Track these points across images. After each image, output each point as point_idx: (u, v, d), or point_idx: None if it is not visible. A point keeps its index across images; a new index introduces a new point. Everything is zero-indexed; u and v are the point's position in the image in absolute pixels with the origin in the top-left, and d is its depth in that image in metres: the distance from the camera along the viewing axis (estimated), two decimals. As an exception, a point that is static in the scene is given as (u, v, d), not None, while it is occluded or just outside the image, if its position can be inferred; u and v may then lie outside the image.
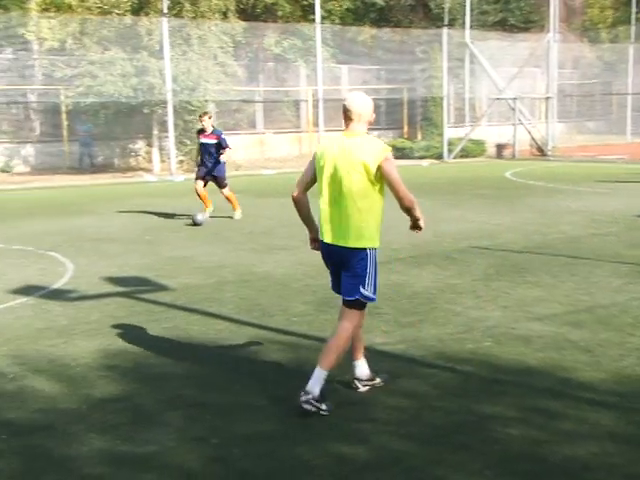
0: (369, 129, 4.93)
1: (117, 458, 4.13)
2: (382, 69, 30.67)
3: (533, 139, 27.71)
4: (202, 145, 12.90)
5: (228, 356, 5.85)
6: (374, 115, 5.00)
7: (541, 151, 27.42)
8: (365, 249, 4.71)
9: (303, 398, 4.61)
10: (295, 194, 4.92)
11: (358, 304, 4.81)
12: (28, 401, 4.95)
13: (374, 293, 4.82)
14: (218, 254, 9.78)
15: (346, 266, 4.75)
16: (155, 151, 24.18)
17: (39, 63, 24.40)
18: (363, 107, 4.81)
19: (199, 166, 13.08)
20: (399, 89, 30.15)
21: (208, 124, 12.79)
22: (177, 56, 22.73)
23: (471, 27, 27.84)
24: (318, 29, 24.35)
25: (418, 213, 4.79)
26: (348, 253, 4.71)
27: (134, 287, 8.10)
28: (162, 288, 8.04)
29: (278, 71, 29.19)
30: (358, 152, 4.66)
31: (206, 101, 24.00)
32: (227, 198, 13.10)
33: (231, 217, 12.96)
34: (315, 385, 4.64)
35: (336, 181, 4.69)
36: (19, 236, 11.56)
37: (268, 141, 27.39)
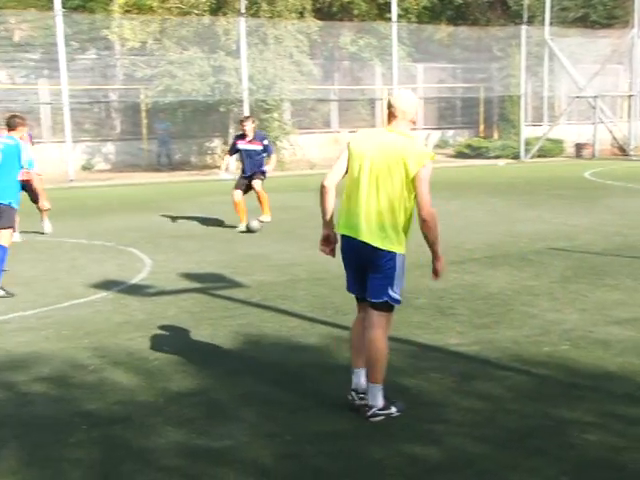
0: (412, 129, 4.76)
1: (193, 451, 4.20)
2: (458, 67, 30.36)
3: (614, 138, 27.02)
4: (242, 152, 11.84)
5: (301, 353, 5.88)
6: (416, 116, 4.82)
7: (623, 150, 26.72)
8: (391, 252, 4.53)
9: (369, 413, 4.55)
10: (326, 182, 4.63)
11: (386, 306, 4.62)
12: (107, 393, 5.08)
13: (400, 296, 4.67)
14: (291, 252, 9.85)
15: (374, 266, 4.53)
16: (231, 149, 24.47)
17: (120, 63, 25.01)
18: (408, 105, 4.63)
19: (240, 177, 12.01)
20: (475, 88, 29.80)
21: (250, 129, 11.79)
22: (253, 55, 22.96)
23: (551, 24, 27.31)
24: (394, 27, 24.26)
25: (437, 246, 4.62)
26: (377, 252, 4.50)
27: (210, 283, 8.22)
28: (237, 285, 8.14)
29: (353, 70, 29.18)
30: (401, 150, 4.49)
31: (281, 100, 24.20)
32: (259, 196, 11.84)
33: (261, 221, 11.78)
34: (375, 399, 4.57)
35: (373, 175, 4.50)
36: (100, 232, 11.87)
37: (343, 140, 27.41)
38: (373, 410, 4.56)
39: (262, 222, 11.62)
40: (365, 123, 28.57)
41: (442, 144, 30.39)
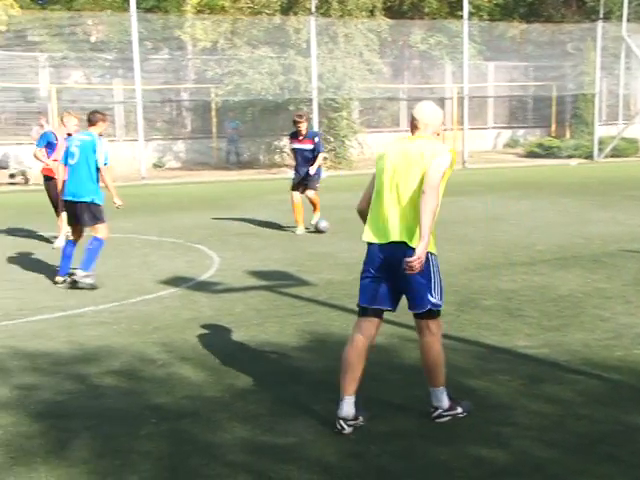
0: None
1: (258, 447, 4.23)
2: (530, 66, 29.87)
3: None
4: (296, 151, 11.70)
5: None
6: (442, 127, 4.76)
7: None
8: (427, 252, 4.33)
9: (435, 414, 4.55)
10: (359, 208, 4.77)
11: (431, 314, 4.51)
12: (176, 388, 5.16)
13: (441, 299, 4.54)
14: (359, 250, 9.77)
15: (400, 266, 4.29)
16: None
17: (192, 63, 25.38)
18: (430, 117, 4.60)
19: (295, 177, 11.87)
20: (548, 86, 29.30)
21: (304, 127, 11.47)
22: (323, 54, 23.03)
23: (628, 20, 26.62)
24: (465, 25, 24.00)
25: (424, 228, 4.23)
26: (403, 251, 4.34)
27: (277, 281, 8.28)
28: (303, 283, 8.18)
29: (423, 68, 29.02)
30: (420, 148, 4.47)
31: (350, 99, 24.21)
32: (311, 201, 11.68)
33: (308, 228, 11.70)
34: (440, 401, 4.57)
35: (394, 181, 4.48)
36: (170, 229, 12.07)
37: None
38: (439, 411, 4.55)
39: (323, 227, 11.45)
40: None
41: (512, 143, 29.97)
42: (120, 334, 6.40)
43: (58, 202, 9.40)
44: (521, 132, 30.58)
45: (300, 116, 11.66)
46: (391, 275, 4.46)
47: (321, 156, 11.72)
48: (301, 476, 3.90)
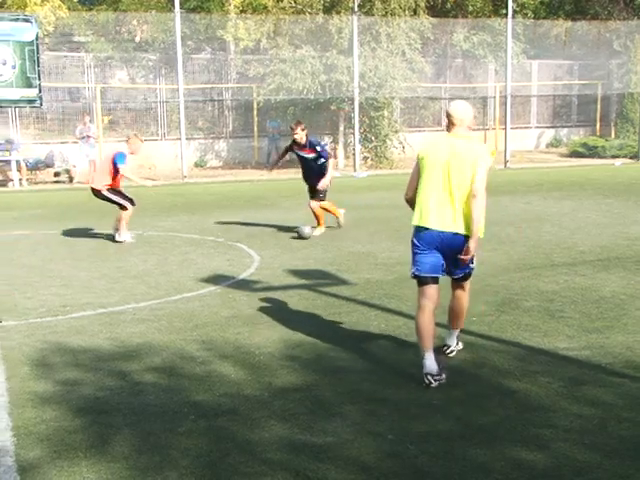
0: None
1: (296, 446, 4.25)
2: (575, 64, 29.49)
3: None
4: (300, 158, 11.46)
5: (406, 353, 5.85)
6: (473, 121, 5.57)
7: None
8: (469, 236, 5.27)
9: (448, 350, 5.72)
10: (407, 197, 5.57)
11: (468, 275, 5.59)
12: (215, 385, 5.20)
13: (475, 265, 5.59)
14: (399, 251, 9.80)
15: (454, 249, 5.29)
16: (340, 147, 24.59)
17: (234, 62, 25.52)
18: (464, 113, 5.40)
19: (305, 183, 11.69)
20: (593, 85, 28.90)
21: (302, 135, 11.10)
22: (365, 53, 22.99)
23: (678, 17, 26.14)
24: (509, 23, 23.77)
25: (475, 225, 5.19)
26: (460, 239, 5.24)
27: (316, 280, 8.29)
28: (343, 282, 8.18)
29: (466, 67, 28.81)
30: (468, 150, 5.29)
31: (392, 98, 24.13)
32: (314, 212, 11.45)
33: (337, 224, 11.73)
34: (453, 340, 5.79)
35: (446, 174, 5.25)
36: (211, 227, 12.15)
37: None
38: (451, 348, 5.76)
39: (313, 234, 11.07)
40: (475, 121, 28.10)
41: (555, 143, 29.63)
42: (160, 331, 6.47)
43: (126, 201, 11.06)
44: (564, 131, 30.21)
45: (296, 124, 11.34)
46: (440, 252, 5.35)
47: (331, 163, 11.37)
48: (338, 475, 3.91)
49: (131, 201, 11.19)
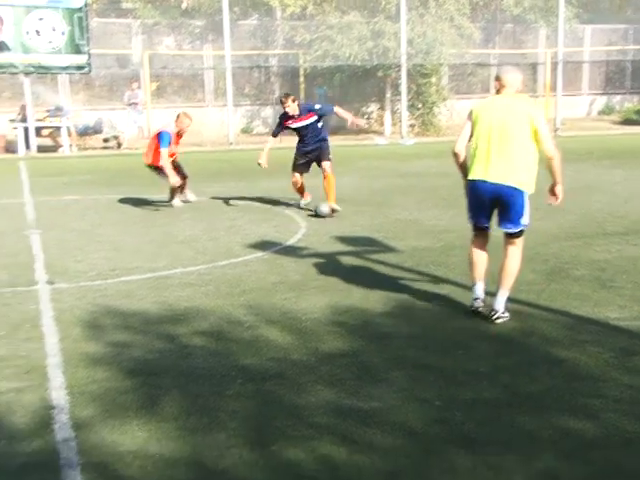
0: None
1: (343, 411, 4.26)
2: (630, 28, 28.71)
3: None
4: (299, 130, 10.62)
5: (452, 320, 5.83)
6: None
7: None
8: (523, 191, 5.58)
9: (495, 316, 5.68)
10: (457, 149, 5.82)
11: (520, 233, 5.73)
12: (262, 349, 5.24)
13: (528, 222, 5.75)
14: (445, 218, 9.73)
15: (507, 203, 5.61)
16: (387, 114, 24.38)
17: (281, 29, 25.36)
18: (514, 78, 5.71)
19: (298, 155, 10.81)
20: (648, 50, 28.13)
21: (294, 107, 10.42)
22: (413, 19, 22.68)
23: None
24: (562, -13, 23.20)
25: (559, 176, 5.67)
26: (511, 192, 5.56)
27: (363, 247, 8.27)
28: (389, 250, 8.15)
29: (516, 33, 28.24)
30: (523, 107, 5.60)
31: (440, 64, 23.81)
32: (327, 180, 10.50)
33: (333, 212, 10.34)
34: (500, 303, 5.71)
35: (502, 130, 5.54)
36: (258, 194, 12.18)
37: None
38: (498, 313, 5.68)
39: (335, 210, 10.26)
40: (525, 88, 27.62)
41: (607, 110, 28.98)
42: (208, 296, 6.53)
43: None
44: (617, 98, 29.51)
45: (287, 95, 10.65)
46: (491, 205, 5.70)
47: (338, 109, 10.76)
48: (385, 440, 3.92)
49: (183, 176, 11.21)
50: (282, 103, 10.56)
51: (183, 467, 3.68)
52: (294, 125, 10.62)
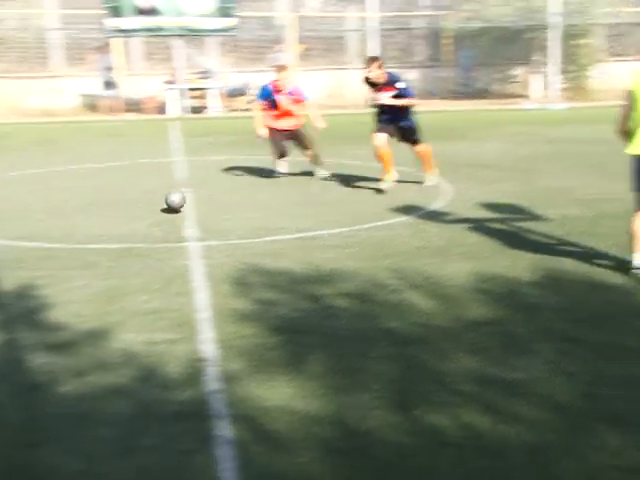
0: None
1: (486, 379, 4.22)
2: None
3: None
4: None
5: (603, 293, 5.62)
6: None
7: None
8: None
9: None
10: (620, 129, 5.96)
11: None
12: (405, 313, 5.25)
13: None
14: (598, 186, 9.35)
15: None
16: (535, 78, 23.58)
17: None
18: None
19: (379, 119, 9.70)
20: None
21: (378, 74, 9.31)
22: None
23: None
24: None
25: None
26: None
27: (509, 214, 8.10)
28: (537, 218, 7.93)
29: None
30: None
31: (593, 24, 22.75)
32: (420, 155, 9.98)
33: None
34: None
35: None
36: (403, 157, 12.03)
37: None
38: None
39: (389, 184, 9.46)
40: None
41: None
42: (352, 258, 6.59)
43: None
44: None
45: (371, 60, 9.50)
46: None
47: (411, 101, 9.67)
48: (530, 412, 3.85)
49: (279, 153, 10.71)
50: (367, 66, 9.41)
51: (328, 426, 3.76)
52: (375, 95, 9.57)
